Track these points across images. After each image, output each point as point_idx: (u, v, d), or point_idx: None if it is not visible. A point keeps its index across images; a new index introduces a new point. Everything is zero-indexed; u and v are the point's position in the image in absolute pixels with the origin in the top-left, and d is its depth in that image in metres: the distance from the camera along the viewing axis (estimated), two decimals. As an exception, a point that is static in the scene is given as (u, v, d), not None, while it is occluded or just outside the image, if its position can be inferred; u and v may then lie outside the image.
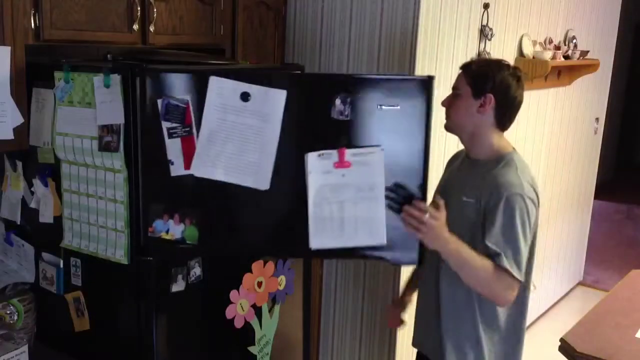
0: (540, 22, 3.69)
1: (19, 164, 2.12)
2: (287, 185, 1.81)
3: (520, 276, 1.83)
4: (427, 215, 1.74)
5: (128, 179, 1.85)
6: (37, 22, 1.93)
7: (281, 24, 2.95)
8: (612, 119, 6.13)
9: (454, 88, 1.99)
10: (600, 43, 4.66)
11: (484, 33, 3.07)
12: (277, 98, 1.76)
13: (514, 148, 2.02)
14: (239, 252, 1.97)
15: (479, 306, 1.94)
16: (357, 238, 1.80)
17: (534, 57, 3.52)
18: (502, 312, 1.97)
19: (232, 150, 1.78)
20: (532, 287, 2.04)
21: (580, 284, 5.19)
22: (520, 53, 3.51)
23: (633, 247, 5.37)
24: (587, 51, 4.10)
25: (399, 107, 1.77)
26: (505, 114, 1.95)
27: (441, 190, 2.11)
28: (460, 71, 2.00)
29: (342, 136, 1.77)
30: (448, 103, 1.99)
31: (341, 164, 1.76)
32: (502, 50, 3.33)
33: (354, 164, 1.76)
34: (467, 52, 3.02)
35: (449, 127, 2.01)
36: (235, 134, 1.78)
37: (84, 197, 1.95)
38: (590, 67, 4.18)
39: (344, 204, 1.78)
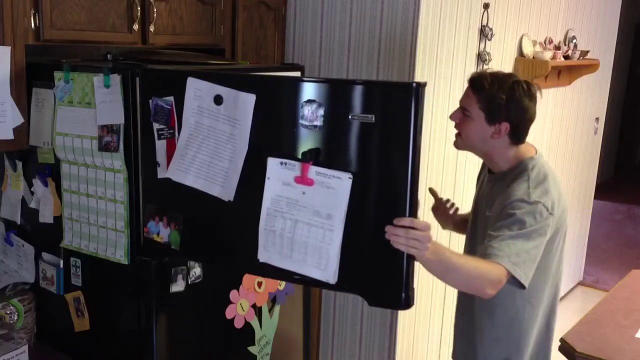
0: (540, 22, 3.69)
1: (19, 164, 2.11)
2: (250, 195, 1.64)
3: (513, 269, 1.71)
4: (418, 232, 1.48)
5: (128, 179, 1.85)
6: (37, 22, 1.93)
7: (281, 24, 2.95)
8: (612, 119, 6.13)
9: (463, 108, 1.87)
10: (600, 43, 4.66)
11: (484, 33, 3.07)
12: (247, 102, 1.61)
13: (536, 149, 1.95)
14: (214, 262, 1.88)
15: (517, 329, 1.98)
16: (305, 266, 1.60)
17: (534, 57, 3.52)
18: (533, 337, 2.02)
19: (205, 156, 1.69)
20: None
21: (580, 284, 5.18)
22: (520, 53, 3.51)
23: (633, 247, 5.35)
24: (587, 51, 4.10)
25: (372, 119, 1.50)
26: (521, 133, 1.88)
27: (473, 205, 2.08)
28: (469, 87, 1.87)
29: (310, 149, 1.56)
30: (458, 120, 1.89)
31: (303, 179, 1.56)
32: (502, 50, 3.33)
33: (317, 183, 1.55)
34: (467, 52, 3.02)
35: (459, 146, 1.93)
36: (210, 139, 1.68)
37: (84, 197, 1.95)
38: (590, 67, 4.18)
39: (298, 223, 1.59)
